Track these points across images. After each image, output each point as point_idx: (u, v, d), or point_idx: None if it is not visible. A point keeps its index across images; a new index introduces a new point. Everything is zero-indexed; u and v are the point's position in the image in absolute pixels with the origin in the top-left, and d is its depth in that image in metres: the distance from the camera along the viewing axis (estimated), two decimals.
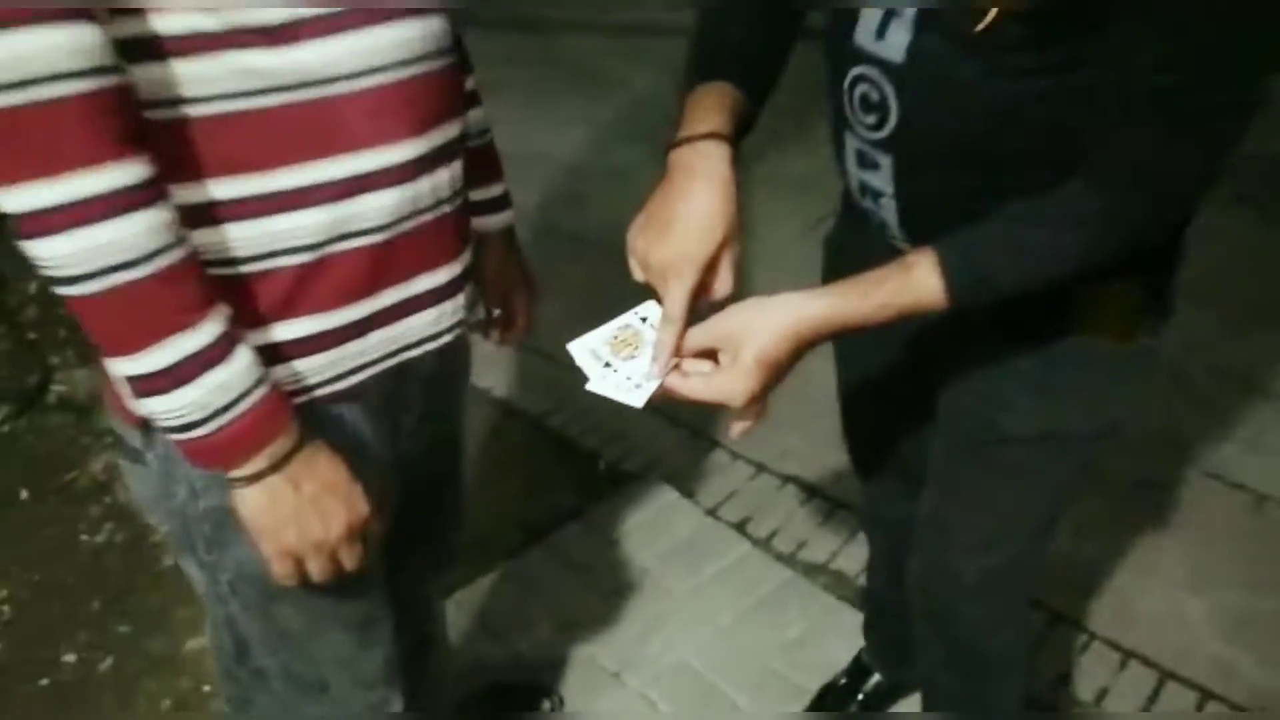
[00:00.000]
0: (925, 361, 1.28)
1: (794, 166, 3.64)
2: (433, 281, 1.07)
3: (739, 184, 1.03)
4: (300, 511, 0.92)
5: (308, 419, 0.95)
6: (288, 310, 0.96)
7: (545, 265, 3.27)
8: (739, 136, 1.07)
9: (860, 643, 1.91)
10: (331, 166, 0.93)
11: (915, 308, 0.96)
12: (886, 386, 1.41)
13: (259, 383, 0.89)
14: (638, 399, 0.97)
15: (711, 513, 2.34)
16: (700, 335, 0.98)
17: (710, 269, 1.01)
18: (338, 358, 1.01)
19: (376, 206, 0.97)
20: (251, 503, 0.92)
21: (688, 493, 2.38)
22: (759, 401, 0.97)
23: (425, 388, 1.15)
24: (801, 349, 0.96)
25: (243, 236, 0.92)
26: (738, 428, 1.00)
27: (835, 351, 1.48)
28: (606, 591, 2.13)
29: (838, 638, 2.00)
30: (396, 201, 0.98)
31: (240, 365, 0.88)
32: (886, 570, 1.71)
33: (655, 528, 2.29)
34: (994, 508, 1.29)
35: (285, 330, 0.97)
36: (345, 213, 0.95)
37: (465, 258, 1.12)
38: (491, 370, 2.80)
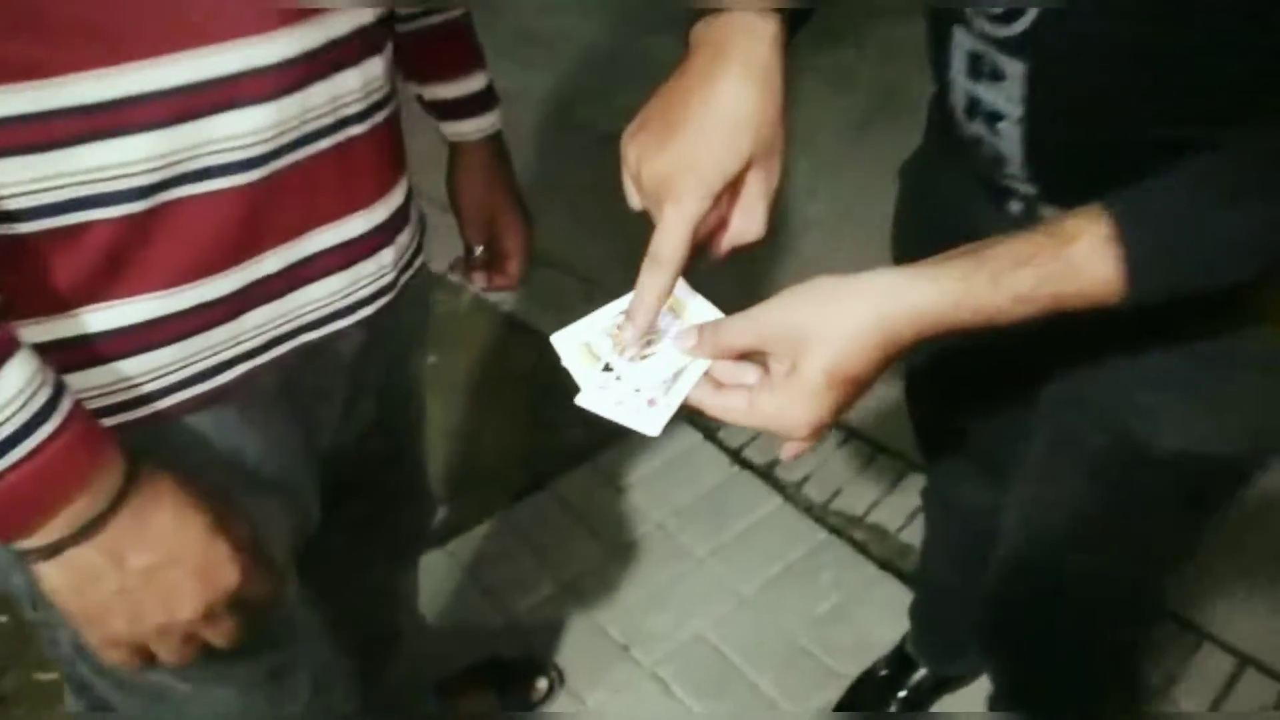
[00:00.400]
0: (1023, 338, 1.00)
1: (825, 57, 3.28)
2: (337, 236, 0.81)
3: (787, 78, 0.73)
4: (128, 593, 0.66)
5: (146, 444, 0.69)
6: (104, 289, 0.69)
7: (560, 165, 3.09)
8: (795, 25, 0.76)
9: (902, 618, 1.69)
10: (168, 67, 0.65)
11: (1073, 301, 0.66)
12: (967, 361, 1.13)
13: (47, 409, 0.62)
14: (652, 422, 0.69)
15: (736, 455, 2.09)
16: (743, 331, 0.70)
17: (731, 196, 0.73)
18: (192, 351, 0.75)
19: (240, 130, 0.70)
20: (54, 582, 0.66)
21: (710, 433, 2.13)
22: (828, 429, 0.69)
23: (351, 369, 0.89)
24: (892, 357, 0.67)
25: (24, 178, 0.64)
26: (791, 449, 0.72)
27: None
28: (616, 548, 1.90)
29: (876, 613, 1.79)
30: (272, 121, 0.71)
31: (11, 385, 0.61)
32: (948, 555, 1.49)
33: (674, 475, 2.05)
34: (1119, 534, 1.03)
35: (100, 318, 0.70)
36: (191, 139, 0.68)
37: (394, 198, 0.85)
38: None
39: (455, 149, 1.12)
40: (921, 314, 0.66)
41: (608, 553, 1.90)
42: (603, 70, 3.37)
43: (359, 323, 0.89)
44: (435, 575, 1.82)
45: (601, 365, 0.72)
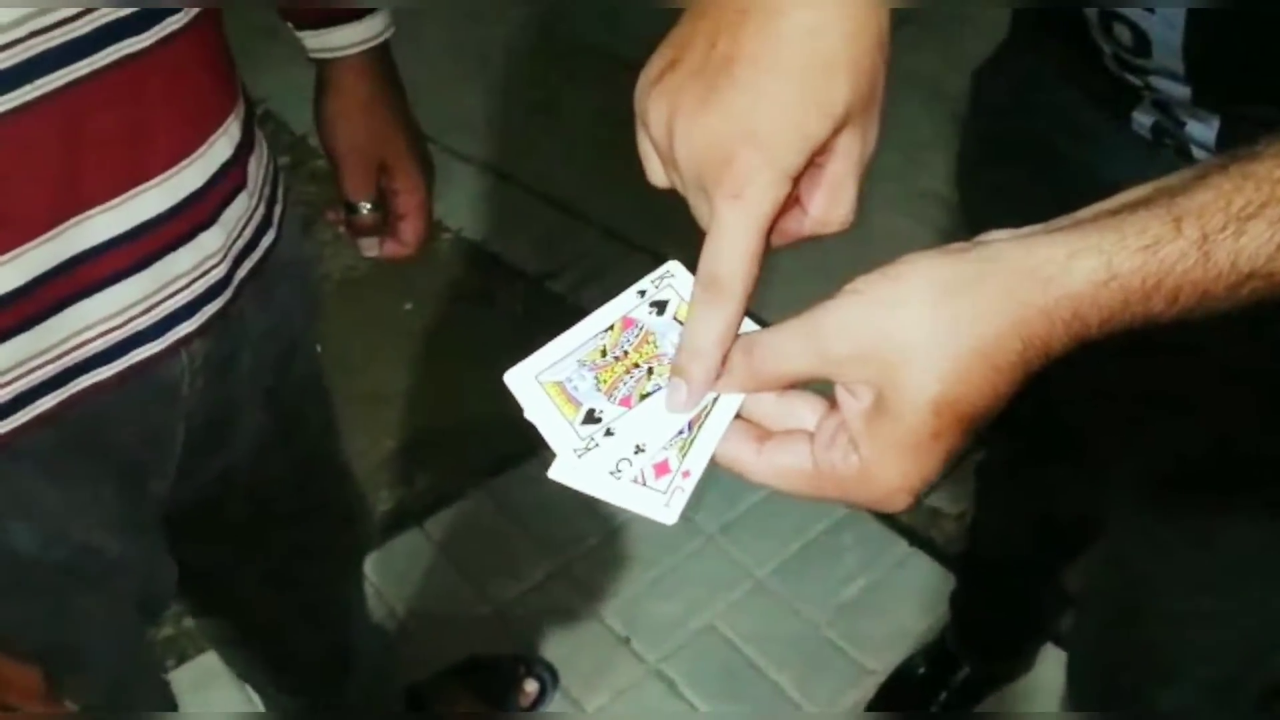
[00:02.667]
0: None
1: None
2: (120, 220, 0.58)
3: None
4: None
5: None
6: None
7: (560, 90, 2.86)
8: None
9: (937, 602, 1.51)
10: None
11: None
12: None
13: None
14: (666, 505, 0.46)
15: None
16: (795, 351, 0.45)
17: (812, 170, 0.47)
18: None
19: None
20: None
21: None
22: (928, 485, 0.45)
23: (193, 396, 0.68)
24: (1033, 369, 0.42)
25: None
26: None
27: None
28: (616, 525, 1.69)
29: (908, 597, 1.60)
30: None
31: None
32: (999, 533, 1.29)
33: None
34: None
35: None
36: None
37: (215, 150, 0.63)
38: (483, 218, 2.31)
39: (324, 71, 0.85)
40: (1084, 309, 0.41)
41: (607, 530, 1.69)
42: None
43: (181, 342, 0.66)
44: (409, 559, 1.63)
45: (583, 413, 0.49)
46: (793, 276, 1.91)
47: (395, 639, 1.47)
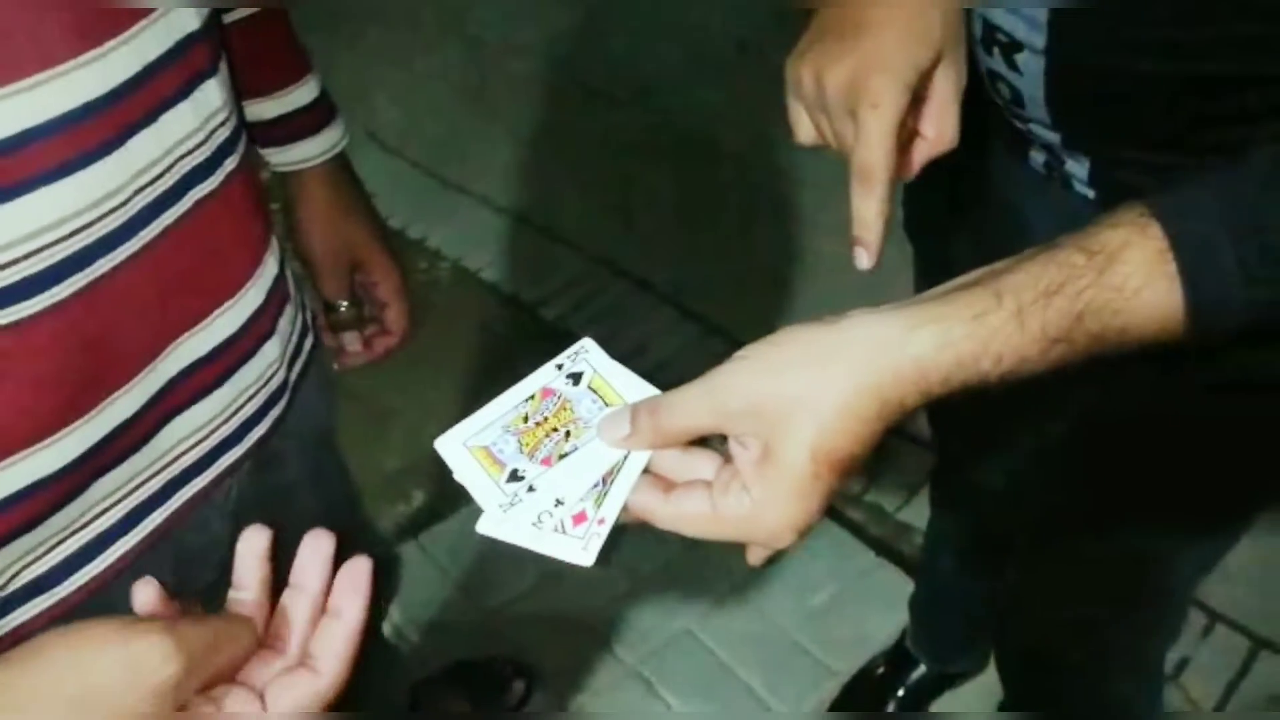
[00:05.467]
0: None
1: None
2: (205, 342, 0.64)
3: None
4: None
5: None
6: None
7: (553, 123, 2.88)
8: None
9: (900, 609, 1.59)
10: None
11: (1120, 338, 0.52)
12: None
13: None
14: (582, 549, 0.54)
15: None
16: (694, 410, 0.53)
17: (914, 106, 0.66)
18: (19, 555, 0.58)
19: (42, 222, 0.53)
20: None
21: None
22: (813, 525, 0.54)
23: (236, 511, 0.73)
24: (891, 421, 0.52)
25: None
26: (759, 554, 0.57)
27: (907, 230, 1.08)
28: None
29: (873, 605, 1.68)
30: (87, 200, 0.54)
31: None
32: (955, 544, 1.38)
33: None
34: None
35: None
36: None
37: (266, 270, 0.69)
38: (480, 248, 2.41)
39: (290, 183, 0.87)
40: (927, 370, 0.50)
41: None
42: (590, 17, 3.21)
43: (256, 444, 0.71)
44: (405, 570, 1.73)
45: (507, 473, 0.56)
46: (812, 303, 2.02)
47: (393, 644, 1.57)
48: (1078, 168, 0.80)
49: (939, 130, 0.67)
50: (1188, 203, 0.51)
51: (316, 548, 0.49)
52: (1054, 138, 0.78)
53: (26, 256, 0.52)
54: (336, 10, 2.72)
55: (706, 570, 1.74)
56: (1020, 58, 0.73)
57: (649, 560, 1.75)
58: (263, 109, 0.83)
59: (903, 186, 1.06)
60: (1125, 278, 0.50)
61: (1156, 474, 0.89)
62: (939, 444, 1.30)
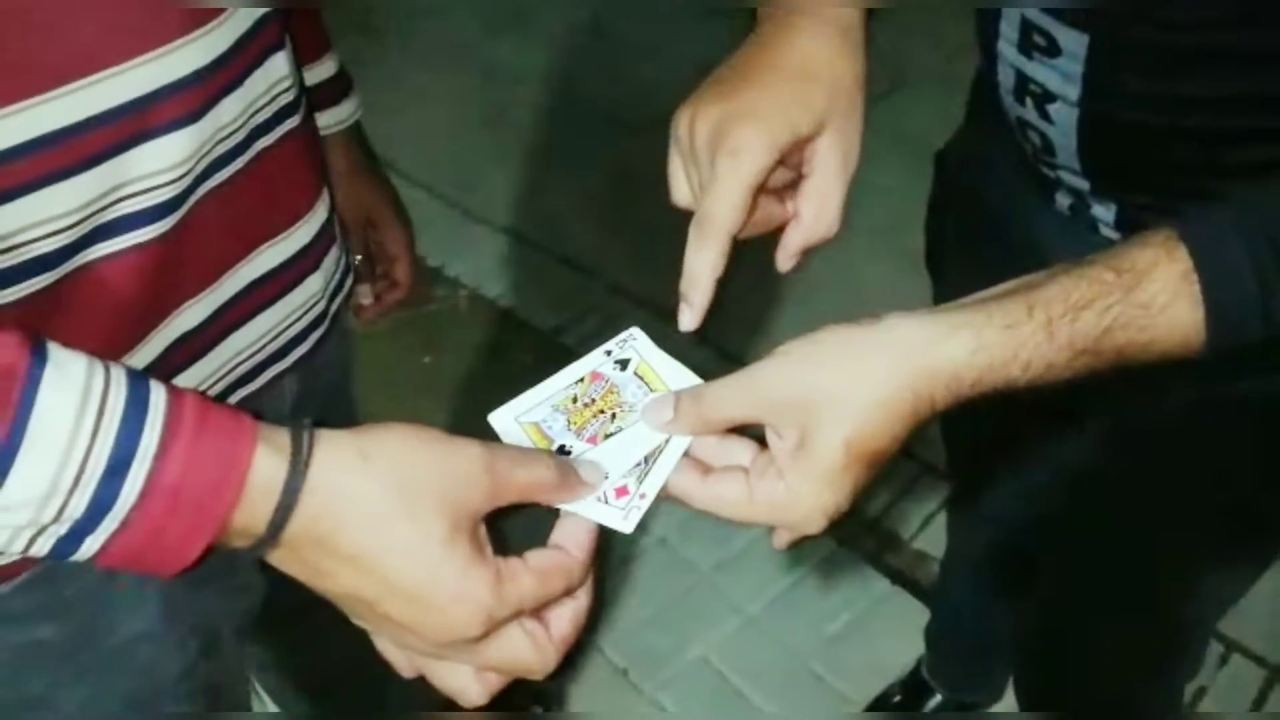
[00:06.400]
0: None
1: None
2: (260, 267, 0.73)
3: (867, 48, 0.65)
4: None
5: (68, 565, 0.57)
6: None
7: (571, 151, 2.91)
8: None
9: (916, 637, 1.59)
10: (77, 97, 0.57)
11: (1143, 352, 0.55)
12: None
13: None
14: (624, 517, 0.56)
15: None
16: (734, 400, 0.56)
17: (800, 169, 0.63)
18: None
19: (159, 165, 0.61)
20: None
21: None
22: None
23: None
24: (923, 424, 0.55)
25: None
26: (785, 537, 0.59)
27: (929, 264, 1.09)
28: (615, 562, 1.80)
29: (889, 633, 1.68)
30: (190, 149, 0.63)
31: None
32: (972, 573, 1.39)
33: None
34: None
35: None
36: (110, 182, 0.60)
37: (316, 214, 0.78)
38: (498, 275, 2.43)
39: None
40: (960, 370, 0.53)
41: (606, 568, 1.80)
42: (603, 46, 3.24)
43: (294, 365, 0.79)
44: None
45: (555, 448, 0.59)
46: (795, 323, 2.03)
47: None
48: (1105, 212, 0.81)
49: (818, 212, 0.63)
50: (1214, 228, 0.54)
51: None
52: (1083, 184, 0.79)
53: (148, 192, 0.62)
54: (354, 38, 2.76)
55: (722, 598, 1.75)
56: (1053, 108, 0.75)
57: (665, 588, 1.76)
58: (318, 72, 0.93)
59: (927, 215, 1.08)
60: (1152, 296, 0.53)
61: (1183, 497, 0.90)
62: (954, 470, 1.31)
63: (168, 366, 0.68)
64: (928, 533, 1.83)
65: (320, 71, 0.92)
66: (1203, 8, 0.65)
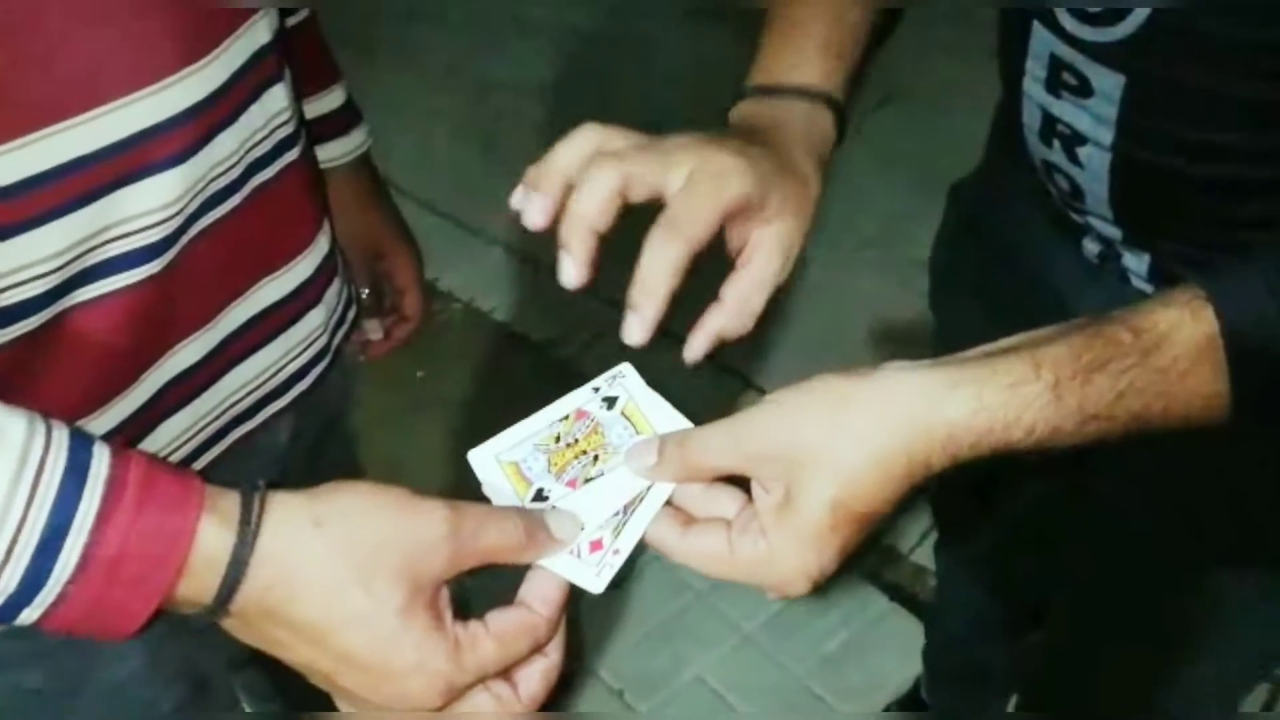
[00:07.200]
0: None
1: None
2: (259, 303, 0.72)
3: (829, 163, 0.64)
4: None
5: None
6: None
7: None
8: (851, 88, 0.66)
9: (914, 655, 1.56)
10: (69, 135, 0.56)
11: (1162, 420, 0.51)
12: None
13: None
14: (595, 576, 0.54)
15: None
16: (720, 449, 0.53)
17: (736, 254, 0.60)
18: None
19: (150, 204, 0.61)
20: None
21: None
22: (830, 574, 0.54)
23: (283, 460, 0.81)
24: (917, 480, 0.50)
25: None
26: (775, 593, 0.56)
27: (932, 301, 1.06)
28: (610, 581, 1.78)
29: (887, 652, 1.68)
30: (183, 187, 0.62)
31: None
32: (961, 610, 1.37)
33: None
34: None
35: None
36: (99, 222, 0.59)
37: (317, 247, 0.76)
38: (492, 288, 2.42)
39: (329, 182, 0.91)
40: (958, 432, 0.49)
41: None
42: (600, 58, 3.23)
43: (294, 401, 0.78)
44: None
45: (533, 491, 0.57)
46: (791, 335, 2.00)
47: None
48: (1137, 262, 0.76)
49: (742, 307, 0.60)
50: (1244, 288, 0.51)
51: None
52: (1115, 232, 0.75)
53: (138, 232, 0.60)
54: (351, 52, 2.75)
55: (719, 618, 1.74)
56: (1083, 151, 0.71)
57: (662, 608, 1.75)
58: (325, 103, 0.90)
59: (931, 258, 1.03)
60: (1173, 360, 0.50)
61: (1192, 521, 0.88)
62: (935, 512, 1.29)
63: (161, 407, 0.68)
64: (926, 546, 1.81)
65: (329, 101, 0.90)
66: (1248, 51, 0.61)
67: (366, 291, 0.97)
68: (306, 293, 0.76)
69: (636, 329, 0.56)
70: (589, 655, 1.69)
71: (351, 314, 0.87)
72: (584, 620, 1.73)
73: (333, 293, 0.80)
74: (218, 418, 0.73)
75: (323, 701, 1.15)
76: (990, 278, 0.92)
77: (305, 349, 0.78)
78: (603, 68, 3.23)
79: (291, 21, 0.82)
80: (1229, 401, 0.50)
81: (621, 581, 1.76)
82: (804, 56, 0.66)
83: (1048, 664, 1.15)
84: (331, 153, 0.91)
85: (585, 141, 0.58)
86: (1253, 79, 0.62)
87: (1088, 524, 0.98)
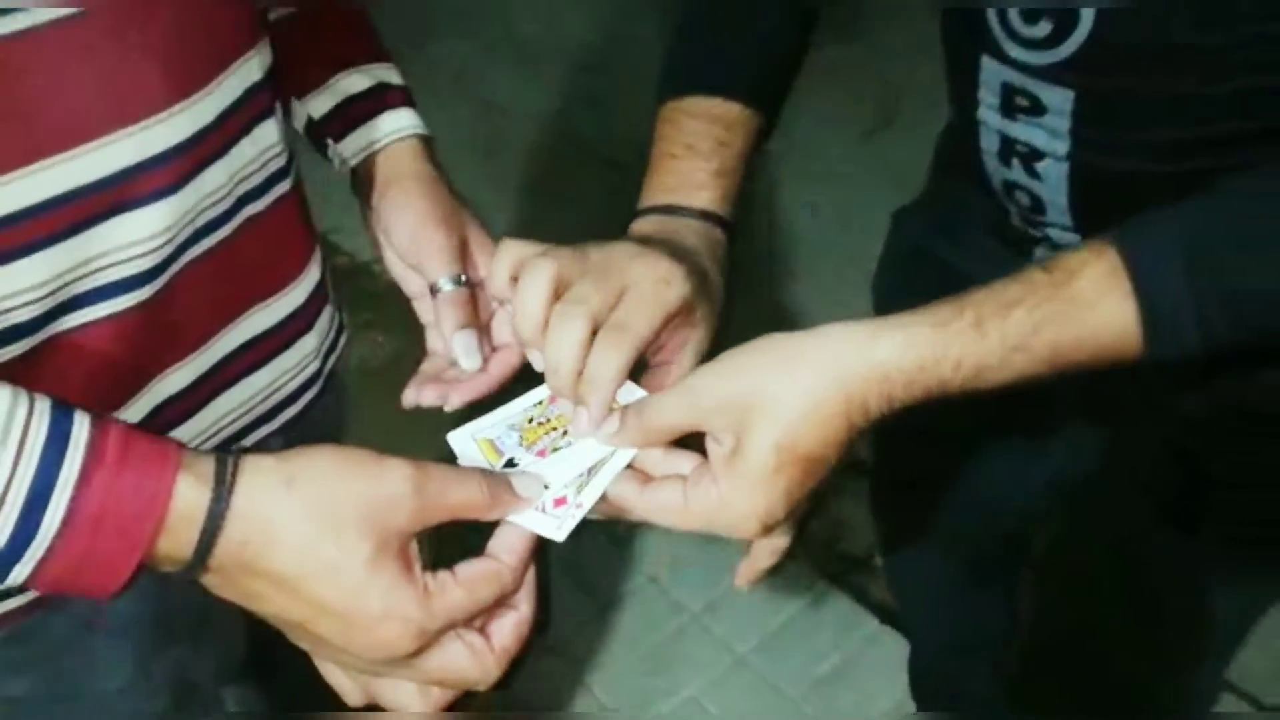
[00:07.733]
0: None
1: (830, 51, 3.14)
2: (250, 330, 0.73)
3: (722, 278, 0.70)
4: None
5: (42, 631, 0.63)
6: None
7: (563, 181, 2.90)
8: (735, 199, 0.73)
9: (904, 675, 1.56)
10: (54, 172, 0.57)
11: (1079, 351, 0.55)
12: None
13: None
14: (557, 525, 0.57)
15: None
16: (674, 408, 0.58)
17: (654, 356, 0.65)
18: None
19: (135, 236, 0.61)
20: None
21: None
22: (787, 522, 0.58)
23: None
24: (857, 426, 0.55)
25: None
26: (749, 572, 0.63)
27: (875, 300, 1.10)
28: (605, 602, 1.80)
29: (879, 672, 1.69)
30: (169, 220, 0.63)
31: None
32: (935, 645, 1.40)
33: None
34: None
35: None
36: (82, 254, 0.60)
37: (308, 275, 0.77)
38: None
39: (375, 165, 0.78)
40: (890, 372, 0.54)
41: (596, 608, 1.80)
42: (603, 85, 3.24)
43: (282, 427, 0.79)
44: None
45: (504, 460, 0.61)
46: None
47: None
48: None
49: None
50: (1149, 230, 0.55)
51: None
52: (1074, 238, 0.80)
53: (124, 262, 0.61)
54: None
55: (713, 639, 1.75)
56: (1041, 166, 0.76)
57: (656, 630, 1.76)
58: (359, 82, 0.80)
59: (874, 284, 1.08)
60: (1080, 291, 0.54)
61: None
62: (882, 550, 1.32)
63: (151, 430, 0.68)
64: None
65: (374, 72, 0.81)
66: (1186, 55, 0.67)
67: (452, 283, 0.73)
68: (299, 319, 0.77)
69: (584, 423, 0.60)
70: (585, 676, 1.70)
71: (343, 340, 0.88)
72: (579, 640, 1.74)
73: (325, 318, 0.81)
74: (207, 440, 0.74)
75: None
76: (933, 297, 0.96)
77: (296, 374, 0.78)
78: (603, 94, 3.25)
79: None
80: (1140, 331, 0.54)
81: (617, 601, 1.78)
82: (698, 182, 0.72)
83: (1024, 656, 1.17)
84: (392, 124, 0.79)
85: (542, 282, 0.62)
86: (1190, 78, 0.67)
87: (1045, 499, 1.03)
